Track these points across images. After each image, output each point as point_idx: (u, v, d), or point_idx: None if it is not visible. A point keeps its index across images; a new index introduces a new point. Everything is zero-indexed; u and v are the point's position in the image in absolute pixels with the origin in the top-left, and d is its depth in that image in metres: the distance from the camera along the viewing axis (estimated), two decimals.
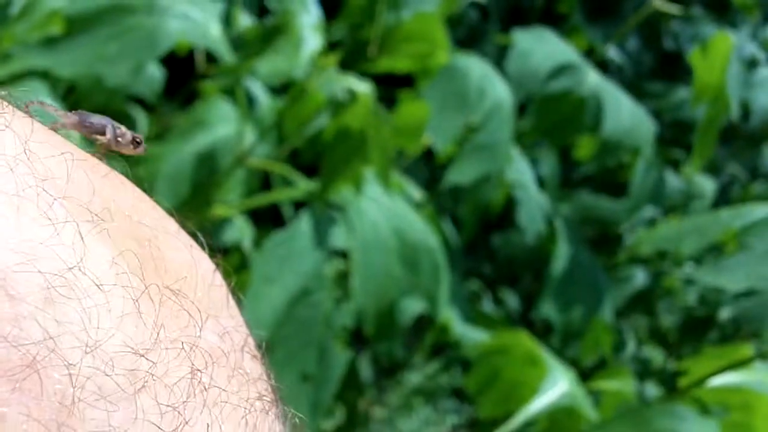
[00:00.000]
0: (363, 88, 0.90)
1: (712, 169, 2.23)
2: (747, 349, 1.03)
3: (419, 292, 1.00)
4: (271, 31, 0.87)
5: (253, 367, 0.30)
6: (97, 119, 0.31)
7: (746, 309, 1.80)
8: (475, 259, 2.15)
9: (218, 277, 0.31)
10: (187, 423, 0.25)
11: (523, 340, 1.24)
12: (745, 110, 2.22)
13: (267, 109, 1.11)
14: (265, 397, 0.30)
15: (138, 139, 0.31)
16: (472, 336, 1.27)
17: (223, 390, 0.27)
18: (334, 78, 0.90)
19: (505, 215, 1.98)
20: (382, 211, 0.96)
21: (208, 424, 0.26)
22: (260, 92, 1.19)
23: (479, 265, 2.15)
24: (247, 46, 0.90)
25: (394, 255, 0.96)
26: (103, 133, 0.31)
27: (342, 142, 0.91)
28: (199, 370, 0.26)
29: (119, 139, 0.31)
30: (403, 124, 1.37)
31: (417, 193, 1.37)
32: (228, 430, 0.27)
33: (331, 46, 1.00)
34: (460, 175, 1.15)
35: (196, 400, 0.26)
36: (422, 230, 1.00)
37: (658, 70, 2.39)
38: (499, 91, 1.15)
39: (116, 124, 0.31)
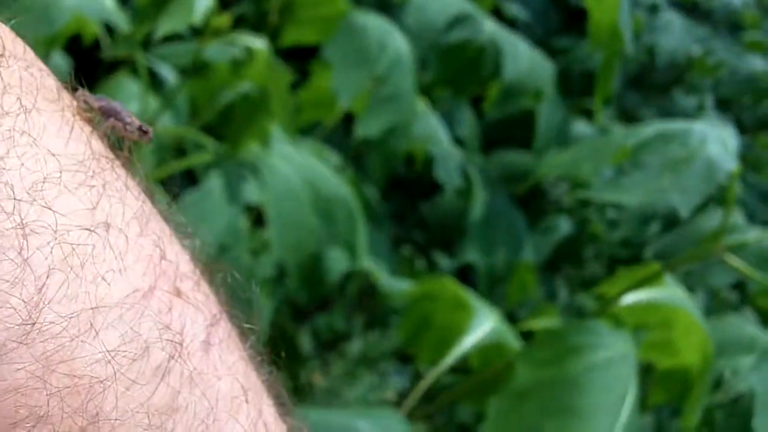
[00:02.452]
0: (259, 44, 0.93)
1: (626, 116, 2.29)
2: (655, 266, 1.08)
3: (337, 242, 1.03)
4: None
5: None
6: (116, 105, 0.33)
7: (666, 245, 1.87)
8: (406, 227, 2.18)
9: None
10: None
11: (449, 286, 1.28)
12: (652, 56, 2.29)
13: (174, 85, 1.14)
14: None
15: (144, 128, 0.33)
16: (399, 287, 1.31)
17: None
18: (230, 37, 0.92)
19: (434, 184, 2.02)
20: (293, 165, 0.99)
21: None
22: (166, 71, 1.22)
23: (410, 233, 2.19)
24: (141, 13, 0.92)
25: (307, 206, 0.99)
26: (116, 116, 0.33)
27: (244, 100, 0.94)
28: None
29: (127, 126, 0.33)
30: (317, 95, 1.41)
31: (336, 159, 1.40)
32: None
33: (224, 7, 1.02)
34: (368, 128, 1.18)
35: None
36: (334, 182, 1.04)
37: (565, 26, 2.45)
38: (399, 44, 1.18)
39: (128, 113, 0.33)
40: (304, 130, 1.48)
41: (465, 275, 1.77)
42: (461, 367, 1.35)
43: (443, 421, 1.64)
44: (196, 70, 1.05)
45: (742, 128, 2.30)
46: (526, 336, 1.36)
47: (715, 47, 2.34)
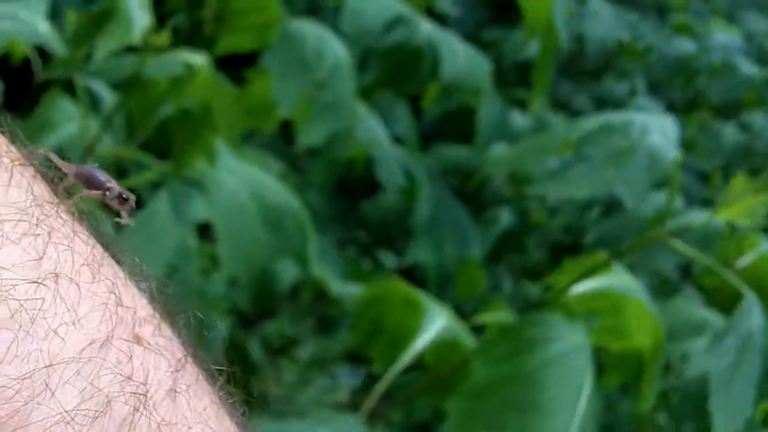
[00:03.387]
0: (199, 60, 0.92)
1: (559, 104, 2.32)
2: (602, 255, 1.09)
3: (287, 253, 1.03)
4: (99, 16, 0.88)
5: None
6: (96, 173, 0.32)
7: (607, 229, 1.90)
8: (348, 228, 2.18)
9: None
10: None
11: (399, 287, 1.28)
12: (582, 43, 2.32)
13: (111, 104, 1.12)
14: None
15: (124, 196, 0.32)
16: (350, 291, 1.31)
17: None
18: (170, 54, 0.91)
19: (373, 184, 2.02)
20: (239, 179, 0.98)
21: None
22: (102, 89, 1.20)
23: (353, 234, 2.19)
24: (78, 36, 0.91)
25: (256, 220, 0.98)
26: (94, 183, 0.31)
27: (187, 117, 0.93)
28: None
29: (107, 194, 0.31)
30: (254, 102, 1.40)
31: (277, 166, 1.40)
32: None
33: (162, 24, 1.01)
34: (311, 136, 1.18)
35: None
36: (282, 194, 1.03)
37: (494, 19, 2.47)
38: (337, 51, 1.18)
39: (109, 179, 0.32)
40: (242, 139, 1.47)
41: (411, 272, 1.77)
42: (417, 366, 1.36)
43: (401, 420, 1.65)
44: (132, 87, 1.03)
45: (674, 110, 2.34)
46: (477, 330, 1.37)
47: (643, 32, 2.37)
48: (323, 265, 1.35)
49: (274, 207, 1.01)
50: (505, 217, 2.05)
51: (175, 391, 0.28)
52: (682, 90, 2.53)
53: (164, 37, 0.89)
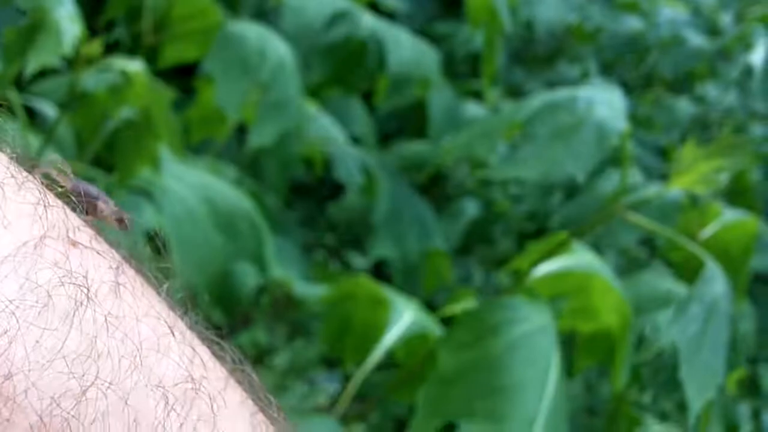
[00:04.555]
0: (135, 66, 0.91)
1: (513, 92, 2.32)
2: (562, 235, 1.09)
3: (243, 256, 1.02)
4: (29, 30, 0.87)
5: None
6: (92, 190, 0.32)
7: (571, 213, 1.90)
8: (316, 232, 2.18)
9: None
10: None
11: (364, 284, 1.27)
12: (531, 29, 2.32)
13: (55, 121, 1.11)
14: None
15: (122, 218, 0.33)
16: (316, 292, 1.30)
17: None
18: (104, 63, 0.90)
19: (339, 186, 2.01)
20: (187, 184, 0.97)
21: None
22: (47, 108, 1.18)
23: (321, 237, 2.18)
24: (9, 52, 0.89)
25: (208, 224, 0.97)
26: (95, 206, 0.32)
27: (128, 125, 0.92)
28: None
29: (104, 213, 0.32)
30: (205, 111, 1.39)
31: (233, 172, 1.38)
32: None
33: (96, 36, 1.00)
34: (260, 137, 1.17)
35: None
36: (233, 196, 1.02)
37: (444, 13, 2.47)
38: (279, 50, 1.17)
39: (105, 199, 0.32)
40: (196, 148, 1.46)
41: (381, 271, 1.77)
42: (390, 363, 1.35)
43: (378, 419, 1.64)
44: (75, 103, 1.02)
45: (628, 89, 2.35)
46: (447, 322, 1.36)
47: (591, 13, 2.38)
48: (287, 268, 1.34)
49: (226, 210, 1.00)
50: (470, 209, 2.05)
51: (119, 285, 0.28)
52: (634, 68, 2.54)
53: (96, 47, 0.88)
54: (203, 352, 0.31)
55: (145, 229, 0.94)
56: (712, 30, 2.57)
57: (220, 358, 0.32)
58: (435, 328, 1.22)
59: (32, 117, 1.21)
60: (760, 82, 2.16)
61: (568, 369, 1.23)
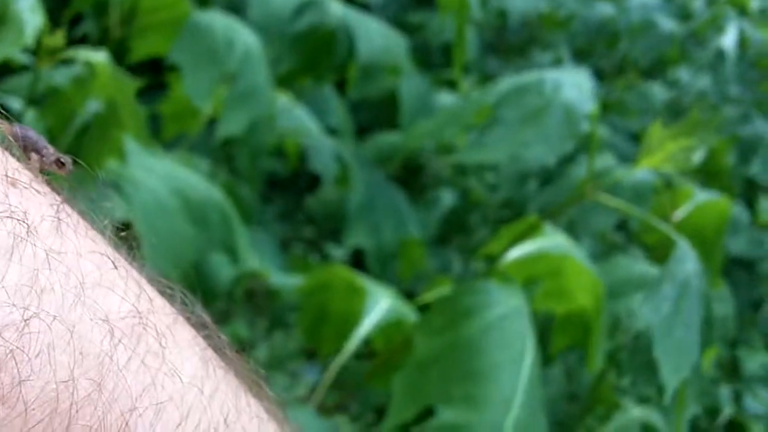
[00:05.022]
0: (99, 57, 0.90)
1: (488, 81, 2.32)
2: (533, 218, 1.09)
3: (214, 246, 1.01)
4: None
5: None
6: (32, 135, 0.32)
7: (546, 199, 1.90)
8: (294, 225, 2.17)
9: None
10: None
11: (340, 273, 1.27)
12: (504, 18, 2.32)
13: (25, 117, 1.10)
14: None
15: (62, 160, 0.32)
16: (292, 283, 1.30)
17: None
18: (68, 54, 0.90)
19: (314, 179, 2.01)
20: (156, 175, 0.97)
21: None
22: (15, 104, 1.18)
23: (300, 230, 2.18)
24: None
25: (178, 215, 0.97)
26: (35, 150, 0.32)
27: (95, 117, 0.91)
28: None
29: (44, 158, 0.32)
30: (177, 106, 1.38)
31: (206, 165, 1.38)
32: None
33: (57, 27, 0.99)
34: (229, 126, 1.17)
35: None
36: (203, 187, 1.02)
37: (418, 3, 2.47)
38: (247, 39, 1.17)
39: (45, 144, 0.32)
40: (170, 143, 1.46)
41: (360, 262, 1.77)
42: (368, 352, 1.35)
43: (358, 408, 1.64)
44: (42, 97, 1.01)
45: (601, 75, 2.36)
46: (426, 310, 1.36)
47: (563, 0, 2.39)
48: (264, 260, 1.34)
49: (196, 201, 1.00)
50: (447, 198, 2.05)
51: (60, 222, 0.28)
52: (607, 55, 2.54)
53: (59, 39, 0.87)
54: (150, 289, 0.31)
55: (114, 220, 0.93)
56: (684, 14, 2.58)
57: (169, 297, 0.32)
58: (411, 316, 1.22)
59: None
60: (732, 65, 2.18)
61: (547, 353, 1.23)
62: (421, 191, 2.06)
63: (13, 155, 0.30)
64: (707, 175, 1.85)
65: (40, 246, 0.27)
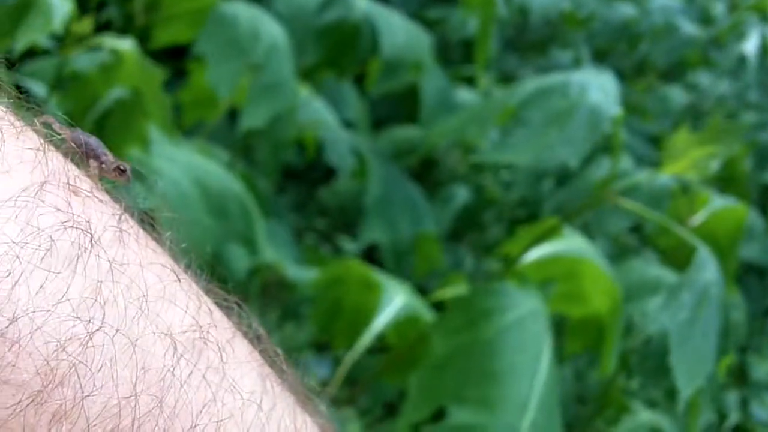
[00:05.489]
0: (126, 45, 0.90)
1: (506, 79, 2.32)
2: (553, 220, 1.09)
3: (233, 238, 1.01)
4: (19, 7, 0.86)
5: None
6: (92, 142, 0.32)
7: (562, 199, 1.90)
8: (307, 216, 2.17)
9: None
10: None
11: (356, 268, 1.27)
12: (525, 16, 2.31)
13: (46, 101, 1.10)
14: None
15: (122, 167, 0.32)
16: (307, 275, 1.30)
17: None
18: (95, 42, 0.89)
19: (329, 171, 2.00)
20: (178, 165, 0.96)
21: None
22: (38, 88, 1.17)
23: (312, 221, 2.17)
24: None
25: (199, 206, 0.97)
26: (95, 157, 0.31)
27: (119, 104, 0.91)
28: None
29: (103, 165, 0.31)
30: (197, 94, 1.38)
31: (224, 155, 1.38)
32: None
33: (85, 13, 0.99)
34: (252, 119, 1.16)
35: None
36: (224, 178, 1.01)
37: None
38: (273, 31, 1.16)
39: (104, 151, 0.32)
40: (188, 131, 1.45)
41: (371, 256, 1.77)
42: (381, 347, 1.35)
43: (369, 402, 1.64)
44: (63, 82, 1.01)
45: (621, 76, 2.35)
46: (439, 306, 1.36)
47: (584, 0, 2.38)
48: (279, 251, 1.34)
49: (217, 192, 0.99)
50: (461, 195, 2.05)
51: (122, 232, 0.28)
52: (627, 56, 2.53)
53: (87, 24, 0.87)
54: (209, 302, 0.31)
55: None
56: (705, 18, 2.57)
57: (227, 310, 0.32)
58: (426, 312, 1.22)
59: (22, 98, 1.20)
60: (753, 72, 2.16)
61: (559, 354, 1.23)
62: (435, 187, 2.06)
63: (72, 162, 0.30)
64: (724, 180, 1.84)
65: (104, 257, 0.26)
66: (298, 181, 2.17)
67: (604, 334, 1.20)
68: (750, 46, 2.22)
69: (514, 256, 1.09)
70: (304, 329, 2.06)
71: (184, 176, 0.96)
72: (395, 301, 1.22)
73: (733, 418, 1.82)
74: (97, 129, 1.12)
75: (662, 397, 1.63)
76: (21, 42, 0.78)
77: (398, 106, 2.10)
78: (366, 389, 1.55)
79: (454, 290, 1.41)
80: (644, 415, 1.54)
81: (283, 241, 1.39)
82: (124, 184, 0.32)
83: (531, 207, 2.05)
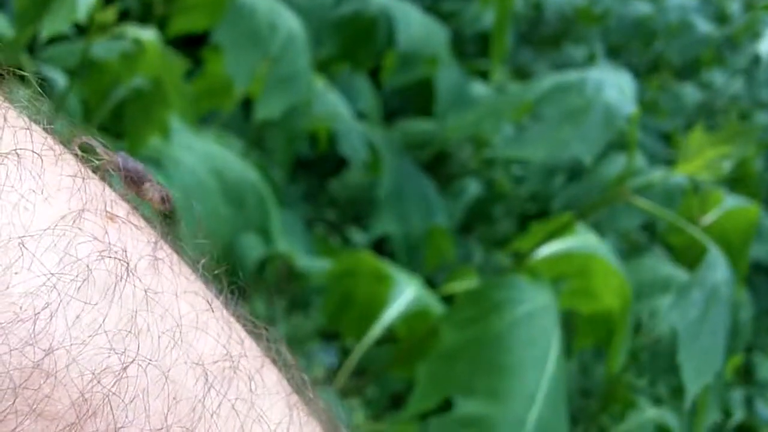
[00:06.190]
0: (148, 35, 0.91)
1: (519, 73, 2.32)
2: (567, 216, 1.09)
3: (250, 228, 1.02)
4: None
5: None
6: (139, 167, 0.32)
7: (573, 195, 1.90)
8: (317, 206, 2.18)
9: None
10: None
11: (367, 259, 1.28)
12: (540, 10, 2.31)
13: (65, 88, 1.11)
14: None
15: (166, 198, 0.32)
16: (318, 266, 1.31)
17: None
18: (117, 31, 0.90)
19: (342, 161, 2.01)
20: (197, 155, 0.97)
21: None
22: (57, 75, 1.18)
23: (322, 212, 2.18)
24: (22, 17, 0.89)
25: (216, 195, 0.98)
26: (139, 183, 0.31)
27: (139, 93, 0.92)
28: None
29: (145, 191, 0.31)
30: (212, 82, 1.39)
31: (239, 144, 1.39)
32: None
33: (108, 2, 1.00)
34: (267, 110, 1.17)
35: None
36: (241, 168, 1.02)
37: None
38: (290, 23, 1.17)
39: (148, 176, 0.32)
40: (202, 119, 1.46)
41: (381, 248, 1.77)
42: (389, 338, 1.36)
43: (375, 393, 1.65)
44: (85, 70, 1.02)
45: (634, 73, 2.34)
46: (448, 300, 1.37)
47: None
48: (291, 241, 1.35)
49: (234, 182, 1.00)
50: (472, 188, 2.05)
51: (158, 262, 0.28)
52: (641, 53, 2.53)
53: (110, 14, 0.88)
54: (240, 330, 0.31)
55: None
56: (721, 17, 2.57)
57: (256, 337, 0.32)
58: (436, 305, 1.23)
59: (40, 83, 1.21)
60: (766, 72, 2.16)
61: (566, 349, 1.23)
62: (446, 180, 2.06)
63: (110, 186, 0.30)
64: (735, 180, 1.84)
65: (139, 286, 0.26)
66: (309, 171, 2.17)
67: (613, 332, 1.20)
68: (764, 46, 2.22)
69: (526, 251, 1.10)
70: (312, 319, 2.07)
71: (202, 166, 0.97)
72: (406, 293, 1.23)
73: (738, 416, 1.82)
74: (114, 117, 1.13)
75: (668, 394, 1.64)
76: (45, 30, 0.79)
77: (411, 99, 2.10)
78: (373, 380, 1.56)
79: (463, 284, 1.42)
80: (650, 412, 1.54)
81: (295, 231, 1.40)
82: (167, 212, 0.32)
83: (542, 202, 2.05)
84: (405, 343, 1.28)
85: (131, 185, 0.31)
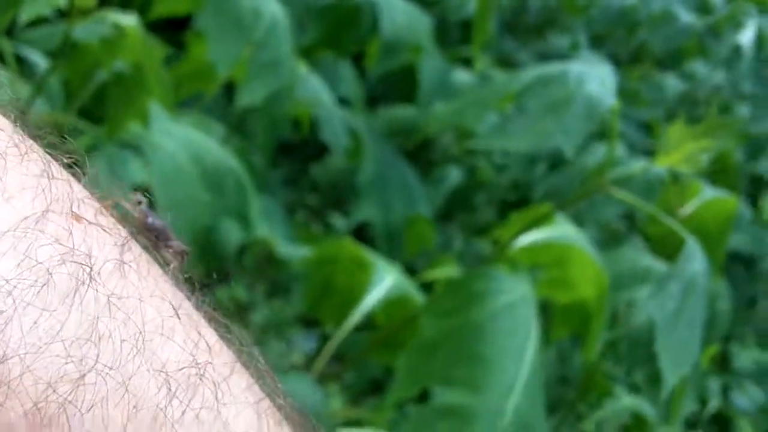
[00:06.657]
0: (129, 20, 0.90)
1: (503, 62, 2.32)
2: (546, 206, 1.10)
3: (228, 213, 1.02)
4: None
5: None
6: (163, 226, 0.32)
7: (554, 184, 1.91)
8: (299, 192, 2.18)
9: None
10: None
11: (347, 246, 1.28)
12: (524, 1, 2.31)
13: (45, 71, 1.10)
14: None
15: (184, 254, 0.32)
16: (298, 253, 1.31)
17: None
18: (98, 15, 0.90)
19: (325, 147, 2.01)
20: (176, 140, 0.97)
21: None
22: (38, 58, 1.17)
23: (304, 197, 2.18)
24: (2, 1, 0.88)
25: (195, 181, 0.97)
26: (159, 235, 0.31)
27: (120, 79, 0.91)
28: None
29: (167, 247, 0.31)
30: (194, 66, 1.38)
31: (220, 129, 1.38)
32: None
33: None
34: (250, 95, 1.16)
35: None
36: (221, 154, 1.02)
37: None
38: (273, 9, 1.16)
39: (172, 234, 0.32)
40: (184, 103, 1.46)
41: (361, 233, 1.77)
42: (368, 325, 1.37)
43: (354, 379, 1.65)
44: (66, 53, 1.01)
45: (617, 63, 2.35)
46: (427, 287, 1.37)
47: None
48: (271, 227, 1.35)
49: (213, 167, 1.00)
50: (453, 176, 2.05)
51: (124, 264, 0.27)
52: (624, 43, 2.54)
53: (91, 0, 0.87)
54: (209, 335, 0.30)
55: (132, 183, 0.94)
56: (703, 7, 2.57)
57: (226, 341, 0.31)
58: (416, 293, 1.23)
59: (20, 65, 1.20)
60: (748, 63, 2.17)
61: (544, 338, 1.24)
62: (428, 167, 2.06)
63: (77, 180, 0.29)
64: (714, 171, 1.85)
65: (102, 291, 0.26)
66: (291, 156, 2.17)
67: (589, 321, 1.21)
68: (746, 37, 2.23)
69: (505, 240, 1.10)
70: (292, 304, 2.07)
71: (182, 151, 0.97)
72: (385, 281, 1.23)
73: (713, 404, 1.84)
74: (95, 101, 1.13)
75: (645, 382, 1.65)
76: (25, 13, 0.78)
77: (393, 85, 2.10)
78: (352, 366, 1.56)
79: (442, 271, 1.42)
80: (626, 400, 1.55)
81: (275, 217, 1.40)
82: (181, 265, 0.32)
83: (522, 190, 2.06)
84: (384, 329, 1.28)
85: (156, 243, 0.31)
